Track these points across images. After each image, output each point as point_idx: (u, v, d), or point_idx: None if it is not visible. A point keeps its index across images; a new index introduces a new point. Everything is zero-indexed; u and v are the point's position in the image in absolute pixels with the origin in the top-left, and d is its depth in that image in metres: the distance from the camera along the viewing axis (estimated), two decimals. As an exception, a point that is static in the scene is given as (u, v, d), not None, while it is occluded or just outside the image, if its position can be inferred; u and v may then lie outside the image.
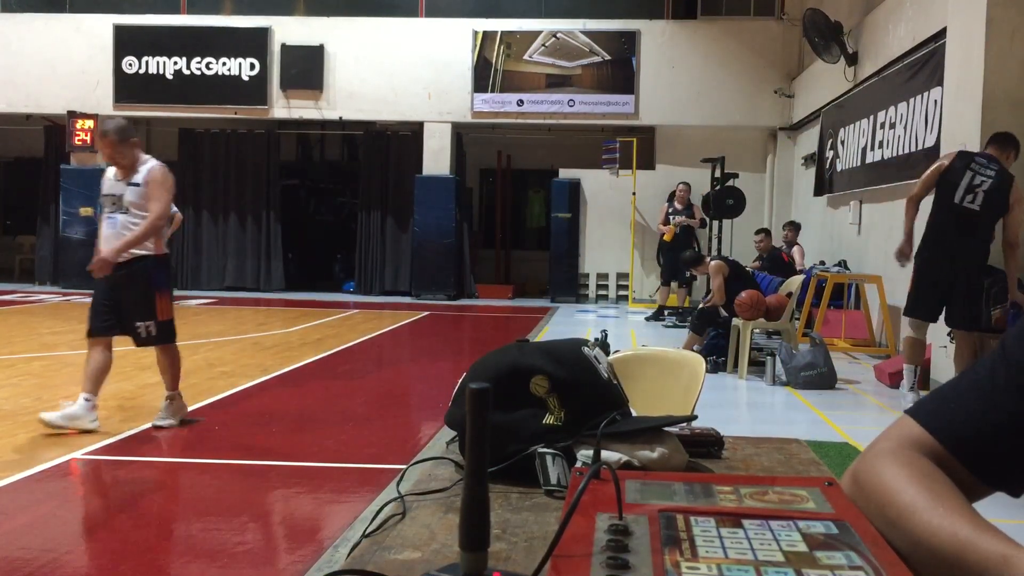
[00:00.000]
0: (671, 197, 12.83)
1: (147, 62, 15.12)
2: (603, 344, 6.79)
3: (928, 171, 5.84)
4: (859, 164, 10.36)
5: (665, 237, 12.46)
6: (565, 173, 15.35)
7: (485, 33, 14.83)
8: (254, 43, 14.95)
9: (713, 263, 8.00)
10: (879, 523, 0.83)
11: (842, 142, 11.15)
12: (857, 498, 0.89)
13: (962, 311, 5.71)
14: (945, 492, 0.82)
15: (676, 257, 12.07)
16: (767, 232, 11.44)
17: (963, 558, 0.75)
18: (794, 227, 11.87)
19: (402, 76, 14.87)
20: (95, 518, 3.88)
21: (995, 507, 1.02)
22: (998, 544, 0.73)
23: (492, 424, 0.79)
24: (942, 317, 5.89)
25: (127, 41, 15.09)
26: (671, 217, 12.49)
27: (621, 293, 15.25)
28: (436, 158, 15.05)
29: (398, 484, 1.22)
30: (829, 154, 11.81)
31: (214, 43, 15.01)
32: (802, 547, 0.77)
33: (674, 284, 12.46)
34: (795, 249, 11.36)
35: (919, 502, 0.81)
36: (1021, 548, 0.72)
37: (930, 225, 5.82)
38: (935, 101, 7.83)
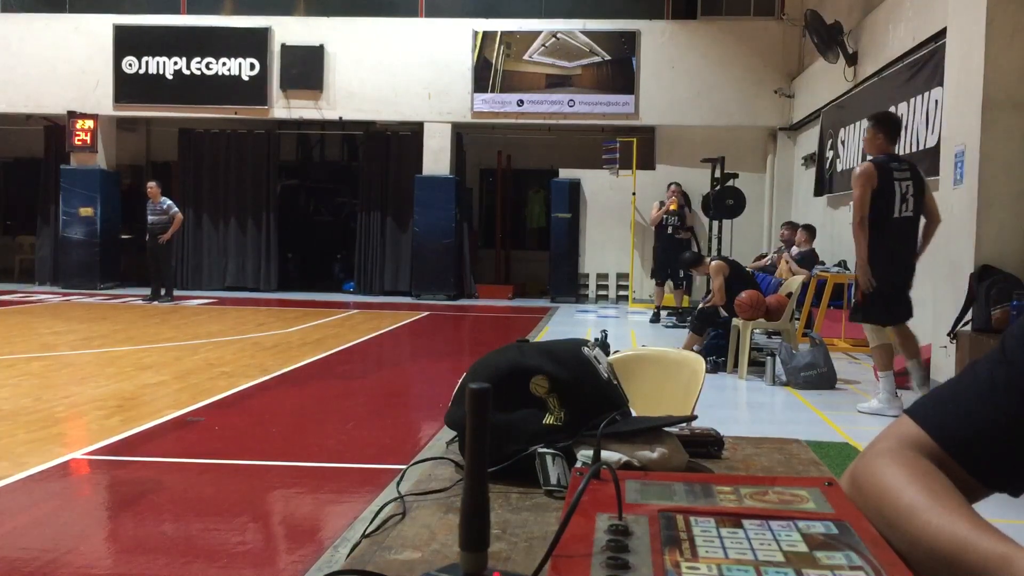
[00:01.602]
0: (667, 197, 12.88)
1: (147, 62, 15.12)
2: (603, 344, 6.80)
3: (860, 193, 5.78)
4: (859, 164, 10.35)
5: (671, 207, 12.49)
6: (565, 173, 15.35)
7: (485, 33, 14.83)
8: (254, 43, 14.95)
9: (713, 263, 8.00)
10: (878, 523, 0.83)
11: (842, 142, 11.15)
12: (856, 498, 0.89)
13: (907, 307, 5.99)
14: (944, 492, 0.82)
15: (668, 257, 12.15)
16: (803, 227, 11.23)
17: (963, 558, 0.75)
18: (792, 227, 11.82)
19: (402, 76, 14.87)
20: (95, 518, 3.88)
21: (995, 507, 1.02)
22: (998, 544, 0.73)
23: (492, 424, 0.79)
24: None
25: (127, 41, 15.09)
26: (667, 218, 12.51)
27: (621, 293, 15.25)
28: (436, 158, 15.06)
29: (398, 484, 1.22)
30: (829, 154, 11.81)
31: (214, 43, 15.02)
32: (802, 547, 0.77)
33: (669, 284, 12.44)
34: (793, 249, 11.33)
35: (918, 502, 0.81)
36: (1021, 548, 0.72)
37: (876, 243, 5.82)
38: (935, 101, 7.83)
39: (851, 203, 10.47)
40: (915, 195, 5.77)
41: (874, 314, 5.96)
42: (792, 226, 11.95)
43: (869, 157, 6.01)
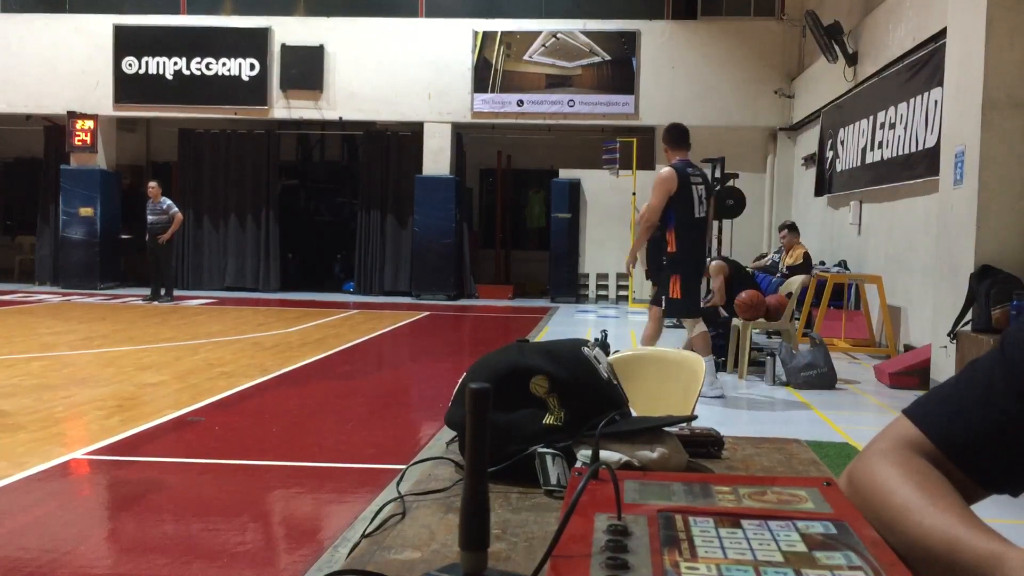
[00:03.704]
0: None
1: (147, 62, 15.12)
2: (603, 344, 6.80)
3: (658, 198, 6.30)
4: (859, 164, 10.36)
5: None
6: (565, 173, 15.35)
7: (485, 33, 14.82)
8: (254, 43, 14.95)
9: (713, 263, 8.00)
10: (875, 523, 0.83)
11: (842, 142, 11.15)
12: (853, 498, 0.89)
13: (698, 303, 6.71)
14: (939, 491, 0.82)
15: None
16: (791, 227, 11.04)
17: (955, 557, 0.75)
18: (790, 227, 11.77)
19: (402, 76, 14.86)
20: (95, 518, 3.89)
21: (995, 507, 1.02)
22: (990, 542, 0.73)
23: (492, 424, 0.80)
24: None
25: (127, 41, 15.09)
26: None
27: (621, 293, 15.24)
28: (436, 158, 15.05)
29: (398, 484, 1.22)
30: (829, 154, 11.80)
31: (214, 43, 15.01)
32: (801, 547, 0.77)
33: None
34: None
35: (913, 502, 0.82)
36: (1013, 546, 0.72)
37: (682, 242, 6.35)
38: (935, 101, 7.83)
39: (853, 202, 10.59)
40: (707, 198, 6.50)
41: (690, 308, 6.54)
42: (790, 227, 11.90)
43: (677, 163, 6.50)
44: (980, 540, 0.74)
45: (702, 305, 8.30)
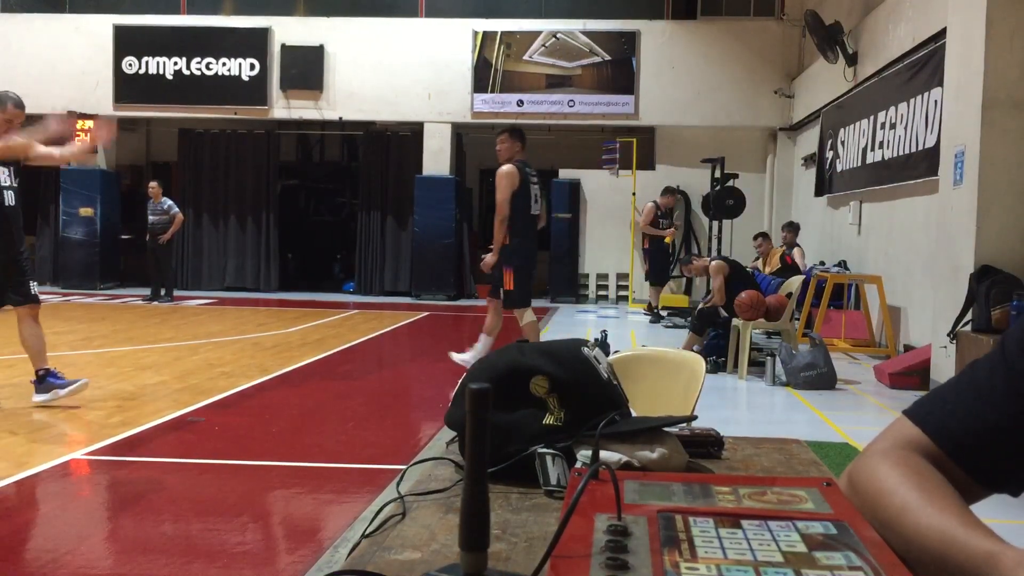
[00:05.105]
0: (661, 198, 12.88)
1: (147, 62, 15.12)
2: (603, 344, 6.82)
3: (506, 194, 6.69)
4: (859, 164, 10.37)
5: (667, 240, 12.57)
6: (565, 173, 15.35)
7: (485, 33, 14.83)
8: (254, 43, 14.95)
9: (714, 263, 8.00)
10: (874, 523, 0.83)
11: (842, 142, 11.15)
12: (853, 499, 0.89)
13: (529, 294, 7.18)
14: (936, 491, 0.82)
15: (664, 258, 12.31)
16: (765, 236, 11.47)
17: (950, 556, 0.75)
18: (792, 228, 11.82)
19: (402, 76, 14.87)
20: (95, 518, 3.88)
21: (995, 507, 1.02)
22: (984, 541, 0.74)
23: (492, 424, 0.80)
24: None
25: (127, 41, 15.09)
26: (661, 222, 12.61)
27: (621, 293, 15.25)
28: (436, 158, 15.06)
29: (398, 484, 1.22)
30: (829, 154, 11.80)
31: (214, 43, 15.02)
32: (801, 547, 0.77)
33: (671, 284, 12.53)
34: (795, 251, 11.33)
35: (910, 502, 0.82)
36: (1007, 545, 0.72)
37: (518, 235, 6.81)
38: (935, 101, 7.83)
39: (853, 202, 10.60)
40: (540, 197, 6.98)
41: (523, 299, 7.03)
42: (791, 227, 11.95)
43: (517, 162, 6.83)
44: (975, 539, 0.74)
45: (701, 305, 8.35)
